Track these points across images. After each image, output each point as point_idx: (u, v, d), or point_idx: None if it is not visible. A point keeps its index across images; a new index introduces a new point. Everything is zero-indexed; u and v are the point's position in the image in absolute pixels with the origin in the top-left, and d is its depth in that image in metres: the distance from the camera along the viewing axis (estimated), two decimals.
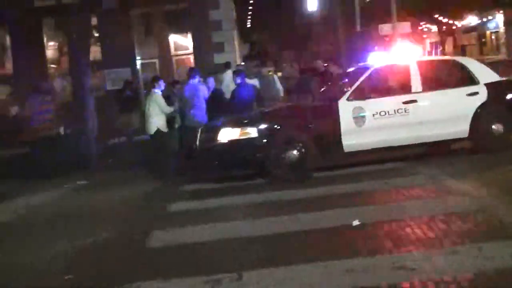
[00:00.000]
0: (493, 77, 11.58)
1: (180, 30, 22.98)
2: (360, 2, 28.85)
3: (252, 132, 10.63)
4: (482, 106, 11.17)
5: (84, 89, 14.89)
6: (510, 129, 11.25)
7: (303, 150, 10.60)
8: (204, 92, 14.16)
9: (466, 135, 11.20)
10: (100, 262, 6.92)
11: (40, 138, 13.53)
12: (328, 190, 9.50)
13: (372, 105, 10.87)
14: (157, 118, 12.40)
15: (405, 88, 11.28)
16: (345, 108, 10.81)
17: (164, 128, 12.56)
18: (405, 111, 10.92)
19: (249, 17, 39.35)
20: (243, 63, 26.28)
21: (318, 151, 10.64)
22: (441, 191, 8.63)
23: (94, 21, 18.73)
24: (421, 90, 11.16)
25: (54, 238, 8.14)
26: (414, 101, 11.00)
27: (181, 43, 23.18)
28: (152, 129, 12.39)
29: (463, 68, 11.65)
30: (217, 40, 21.68)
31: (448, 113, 11.08)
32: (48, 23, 22.80)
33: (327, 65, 19.40)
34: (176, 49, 22.90)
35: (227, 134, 10.75)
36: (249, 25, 42.96)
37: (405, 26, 25.46)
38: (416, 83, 11.20)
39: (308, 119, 10.95)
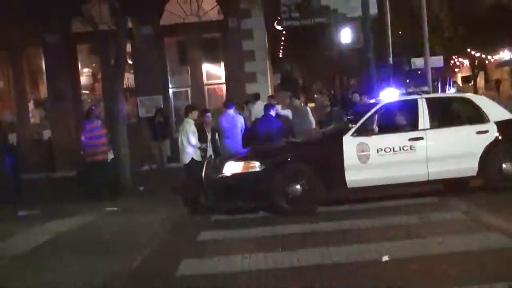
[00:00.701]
0: (504, 115, 11.42)
1: (213, 59, 23.11)
2: (392, 35, 28.82)
3: (256, 165, 10.72)
4: (492, 144, 11.00)
5: (117, 115, 14.98)
6: None
7: (307, 184, 10.64)
8: (241, 122, 14.21)
9: (474, 173, 11.01)
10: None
11: (94, 161, 13.77)
12: (363, 223, 9.43)
13: (377, 141, 10.85)
14: (191, 149, 12.33)
15: (412, 124, 11.28)
16: (350, 143, 10.80)
17: (198, 158, 12.40)
18: (410, 148, 10.83)
19: (281, 47, 39.48)
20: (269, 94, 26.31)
21: (323, 186, 10.68)
22: (478, 226, 8.52)
23: (128, 47, 18.91)
24: (428, 127, 11.03)
25: (86, 263, 8.15)
26: (420, 138, 10.90)
27: (214, 72, 23.29)
28: (186, 159, 12.35)
29: (473, 105, 11.51)
30: (250, 70, 21.76)
31: (455, 151, 10.95)
32: (83, 49, 23.11)
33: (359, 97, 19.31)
34: (208, 78, 23.01)
35: (231, 167, 10.86)
36: (280, 55, 43.08)
37: (438, 60, 25.41)
38: (423, 120, 11.09)
39: (313, 153, 11.04)
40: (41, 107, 22.94)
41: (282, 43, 38.05)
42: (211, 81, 23.06)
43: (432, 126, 11.07)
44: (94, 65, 23.41)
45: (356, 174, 10.73)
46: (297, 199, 10.60)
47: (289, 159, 10.93)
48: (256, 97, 17.81)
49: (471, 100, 11.78)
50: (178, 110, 21.48)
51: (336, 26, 32.39)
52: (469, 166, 10.93)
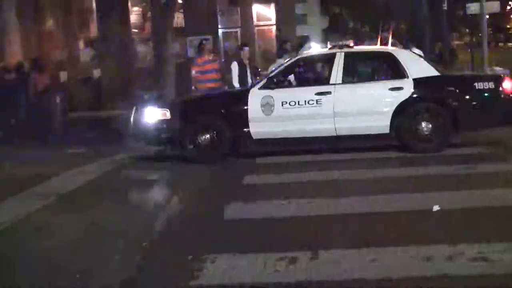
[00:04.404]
0: (428, 71, 10.96)
1: (264, 1, 22.86)
2: None
3: (167, 115, 11.26)
4: (405, 102, 10.67)
5: (165, 55, 14.96)
6: (440, 129, 10.69)
7: (216, 135, 11.06)
8: None
9: (387, 131, 10.75)
10: (176, 232, 6.95)
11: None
12: (409, 171, 9.32)
13: (282, 95, 10.92)
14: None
15: (324, 79, 11.27)
16: (255, 96, 10.99)
17: None
18: (316, 103, 10.77)
19: None
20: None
21: (231, 137, 11.02)
22: None
23: None
24: (340, 82, 10.87)
25: (134, 205, 8.25)
26: (328, 92, 10.78)
27: (264, 13, 23.05)
28: None
29: (394, 61, 11.08)
30: (300, 12, 21.49)
31: (364, 107, 10.75)
32: None
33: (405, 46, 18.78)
34: (258, 20, 22.79)
35: (151, 114, 11.45)
36: None
37: (494, 5, 24.63)
38: (336, 74, 10.95)
39: (223, 106, 11.38)
40: (90, 46, 23.01)
41: None
42: (261, 22, 22.85)
43: (345, 81, 10.93)
44: (144, 4, 23.35)
45: (260, 126, 10.93)
46: (207, 148, 11.07)
47: (198, 111, 11.49)
48: (305, 39, 17.63)
49: (393, 55, 11.27)
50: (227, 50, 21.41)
51: None
52: (380, 124, 10.71)
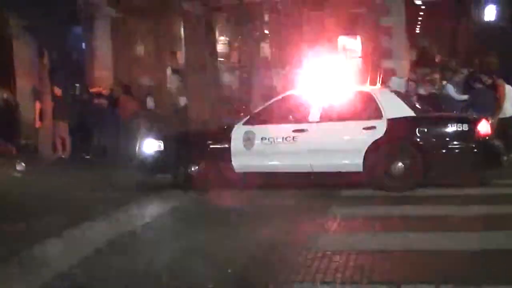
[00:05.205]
0: (404, 112, 11.03)
1: (350, 34, 22.91)
2: None
3: (161, 147, 11.96)
4: (378, 141, 10.77)
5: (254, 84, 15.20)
6: (412, 168, 10.64)
7: (202, 166, 11.72)
8: None
9: (360, 169, 10.89)
10: (264, 260, 6.91)
11: None
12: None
13: (262, 130, 11.40)
14: None
15: (303, 116, 11.53)
16: (238, 131, 11.54)
17: None
18: (293, 139, 11.16)
19: (418, 23, 38.47)
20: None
21: (216, 169, 11.65)
22: None
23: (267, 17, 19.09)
24: (317, 120, 11.28)
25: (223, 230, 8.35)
26: (304, 130, 11.16)
27: (350, 46, 23.09)
28: None
29: (373, 100, 11.20)
30: (386, 45, 21.43)
31: (338, 146, 11.02)
32: (219, 18, 23.42)
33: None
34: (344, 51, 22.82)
35: (149, 145, 12.14)
36: (418, 31, 42.02)
37: None
38: (315, 112, 11.37)
39: (208, 140, 11.96)
40: (177, 73, 23.53)
41: (420, 19, 37.08)
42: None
43: (322, 119, 11.27)
44: (230, 34, 23.74)
45: (241, 160, 11.44)
46: (196, 178, 11.68)
47: (183, 144, 12.10)
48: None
49: (372, 95, 11.35)
50: None
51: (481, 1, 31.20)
52: (353, 162, 10.90)
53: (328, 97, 11.52)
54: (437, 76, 23.86)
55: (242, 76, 18.97)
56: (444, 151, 10.71)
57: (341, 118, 11.36)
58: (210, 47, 22.34)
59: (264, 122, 11.57)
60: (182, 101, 22.44)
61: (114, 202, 10.36)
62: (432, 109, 12.71)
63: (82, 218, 8.99)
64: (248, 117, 11.84)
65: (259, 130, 11.42)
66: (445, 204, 9.57)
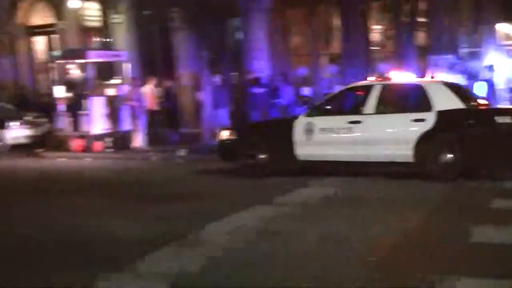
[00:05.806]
0: (454, 104, 11.43)
1: (509, 19, 22.03)
2: None
3: (233, 135, 13.48)
4: (426, 133, 11.30)
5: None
6: (460, 159, 11.12)
7: (266, 154, 12.80)
8: None
9: (410, 159, 11.47)
10: (410, 249, 7.12)
11: None
12: None
13: (321, 122, 12.33)
14: None
15: (358, 109, 12.32)
16: (300, 122, 12.50)
17: None
18: (349, 131, 11.91)
19: None
20: None
21: (279, 157, 12.75)
22: None
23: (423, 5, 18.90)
24: (372, 112, 11.97)
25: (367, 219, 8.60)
26: (358, 121, 11.90)
27: (509, 32, 22.22)
28: None
29: (423, 93, 11.76)
30: None
31: (388, 137, 11.69)
32: (374, 6, 23.32)
33: None
34: (501, 39, 21.99)
35: (224, 134, 13.70)
36: None
37: None
38: (370, 105, 12.01)
39: (271, 130, 13.37)
40: (334, 62, 23.68)
41: None
42: (506, 42, 22.02)
43: (377, 112, 11.93)
44: (385, 22, 23.55)
45: (303, 149, 12.35)
46: (259, 164, 12.83)
47: (249, 133, 13.58)
48: None
49: (423, 88, 11.93)
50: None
51: None
52: (403, 153, 11.44)
53: (382, 90, 12.09)
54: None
55: (395, 65, 18.74)
56: (491, 142, 11.05)
57: (393, 110, 12.13)
58: (365, 36, 22.37)
59: (323, 114, 12.57)
60: (338, 89, 22.59)
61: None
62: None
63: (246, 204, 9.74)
64: (312, 108, 13.06)
65: (318, 121, 12.34)
66: None
